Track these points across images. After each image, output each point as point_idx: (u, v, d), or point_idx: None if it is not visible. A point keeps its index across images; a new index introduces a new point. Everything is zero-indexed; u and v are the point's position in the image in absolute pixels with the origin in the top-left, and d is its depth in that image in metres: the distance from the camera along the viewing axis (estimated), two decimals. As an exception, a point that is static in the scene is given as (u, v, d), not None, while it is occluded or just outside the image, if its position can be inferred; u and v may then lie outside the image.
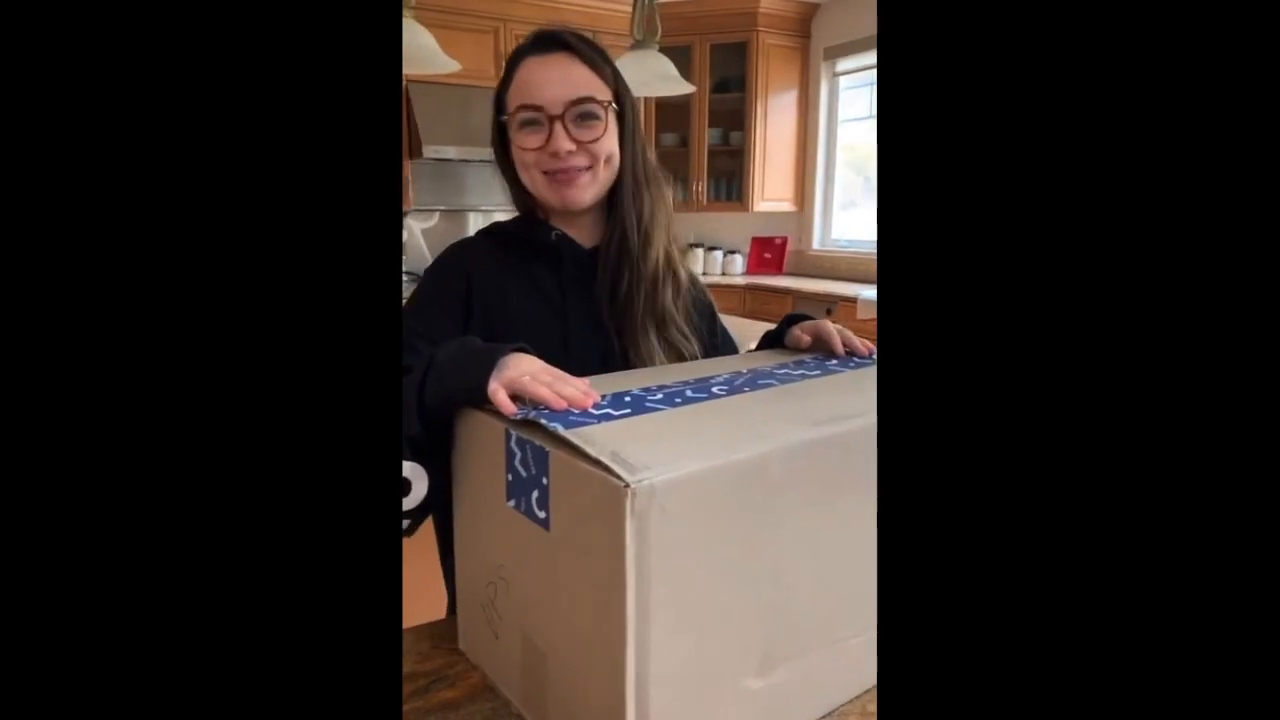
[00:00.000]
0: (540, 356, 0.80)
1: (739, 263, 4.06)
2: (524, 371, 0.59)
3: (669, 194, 0.91)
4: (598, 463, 0.47)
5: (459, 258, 0.85)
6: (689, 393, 0.62)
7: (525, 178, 0.84)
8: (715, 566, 0.49)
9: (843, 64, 3.79)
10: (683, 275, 0.90)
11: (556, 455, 0.50)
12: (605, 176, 0.83)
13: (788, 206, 3.96)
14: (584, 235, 0.87)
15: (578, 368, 0.74)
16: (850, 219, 3.93)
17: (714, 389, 0.63)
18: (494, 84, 0.87)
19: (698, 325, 0.91)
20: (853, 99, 3.84)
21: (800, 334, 0.83)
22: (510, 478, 0.56)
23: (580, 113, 0.80)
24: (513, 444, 0.55)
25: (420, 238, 3.58)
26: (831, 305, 3.30)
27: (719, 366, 0.74)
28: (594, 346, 0.82)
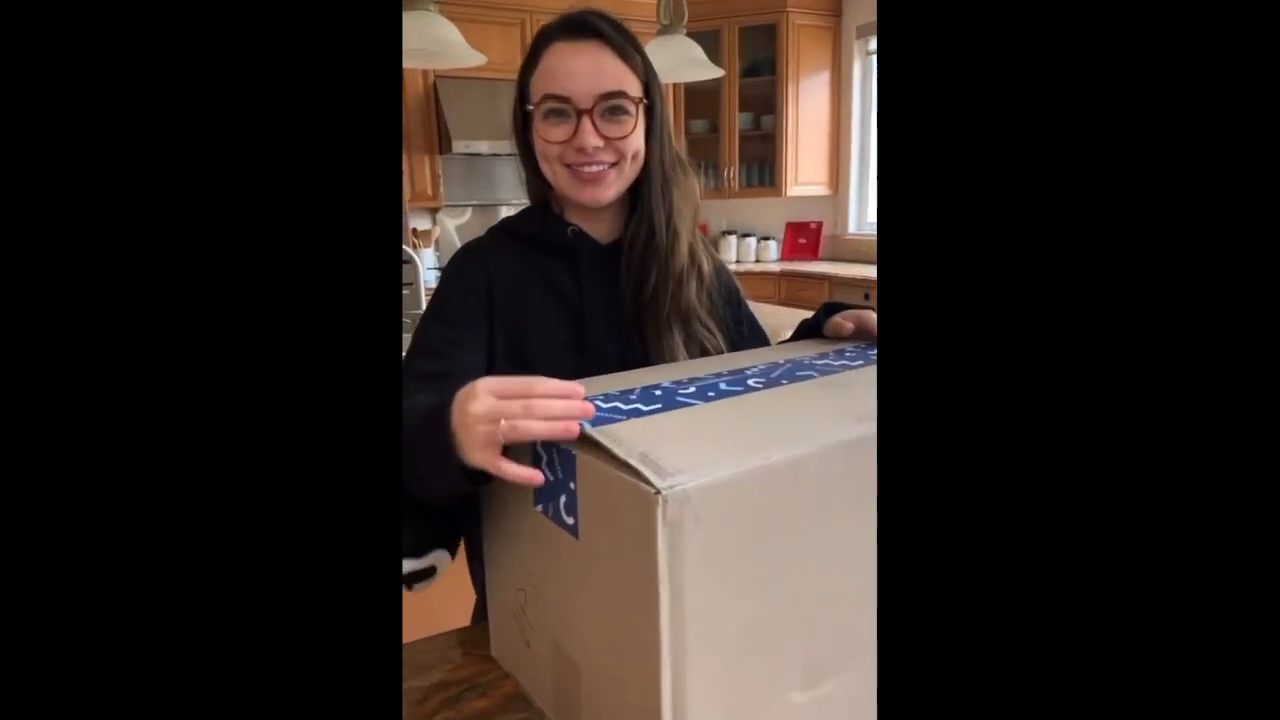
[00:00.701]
0: (556, 357, 0.78)
1: (773, 249, 4.00)
2: (485, 413, 0.51)
3: (695, 184, 0.87)
4: (626, 466, 0.44)
5: (476, 259, 0.82)
6: (723, 385, 0.59)
7: (547, 169, 0.80)
8: (754, 576, 0.46)
9: (875, 42, 3.70)
10: (706, 266, 0.86)
11: (584, 458, 0.48)
12: (630, 172, 0.80)
13: (822, 190, 3.88)
14: (602, 230, 0.83)
15: (595, 368, 0.72)
16: (887, 201, 3.84)
17: (750, 381, 0.60)
18: None
19: (723, 315, 0.88)
20: (887, 77, 3.73)
21: (841, 322, 0.79)
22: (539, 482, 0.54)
23: (610, 107, 0.76)
24: (539, 446, 0.53)
25: (454, 234, 3.59)
26: (869, 290, 3.23)
27: (755, 357, 0.71)
28: (613, 346, 0.79)
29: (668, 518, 0.42)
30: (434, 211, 3.56)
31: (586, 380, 0.63)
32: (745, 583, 0.46)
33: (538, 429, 0.49)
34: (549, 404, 0.50)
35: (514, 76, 0.83)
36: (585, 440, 0.48)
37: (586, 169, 0.77)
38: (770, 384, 0.59)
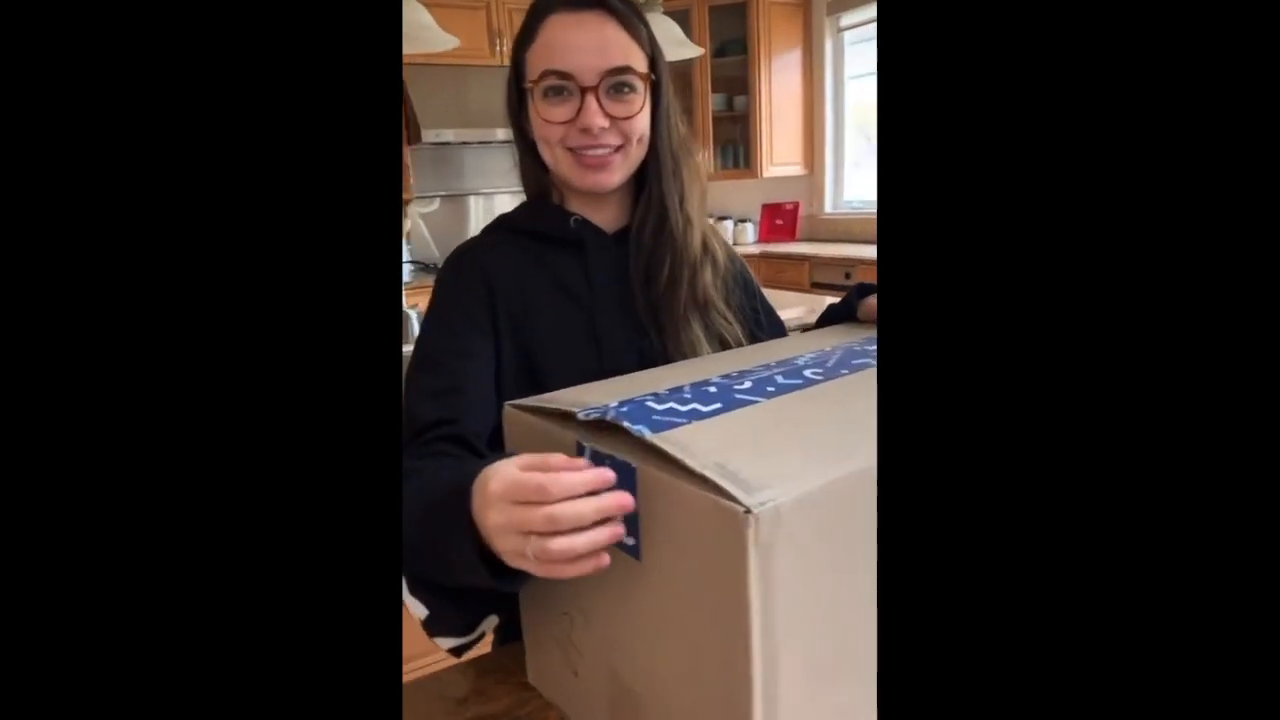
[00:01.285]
0: (570, 357, 0.72)
1: (750, 231, 3.96)
2: (505, 525, 0.44)
3: (702, 166, 0.82)
4: (703, 480, 0.39)
5: (474, 261, 0.75)
6: (780, 379, 0.54)
7: (546, 153, 0.74)
8: (851, 600, 0.41)
9: (846, 18, 3.66)
10: (720, 253, 0.81)
11: (646, 471, 0.43)
12: (637, 155, 0.74)
13: (797, 170, 3.85)
14: (606, 218, 0.77)
15: (612, 368, 0.66)
16: (860, 179, 3.81)
17: (807, 373, 0.55)
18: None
19: (740, 304, 0.83)
20: (858, 54, 3.70)
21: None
22: (585, 497, 0.48)
23: (616, 84, 0.70)
24: (587, 457, 0.47)
25: (422, 225, 3.49)
26: (851, 270, 3.21)
27: (800, 345, 0.66)
28: (629, 343, 0.73)
29: (760, 540, 0.37)
30: (405, 204, 3.46)
31: (628, 378, 0.58)
32: (836, 601, 0.41)
33: (580, 545, 0.42)
34: (576, 510, 0.42)
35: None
36: (646, 448, 0.43)
37: (591, 152, 0.71)
38: (829, 375, 0.55)
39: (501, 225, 0.79)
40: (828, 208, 3.89)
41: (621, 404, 0.48)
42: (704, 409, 0.48)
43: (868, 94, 3.70)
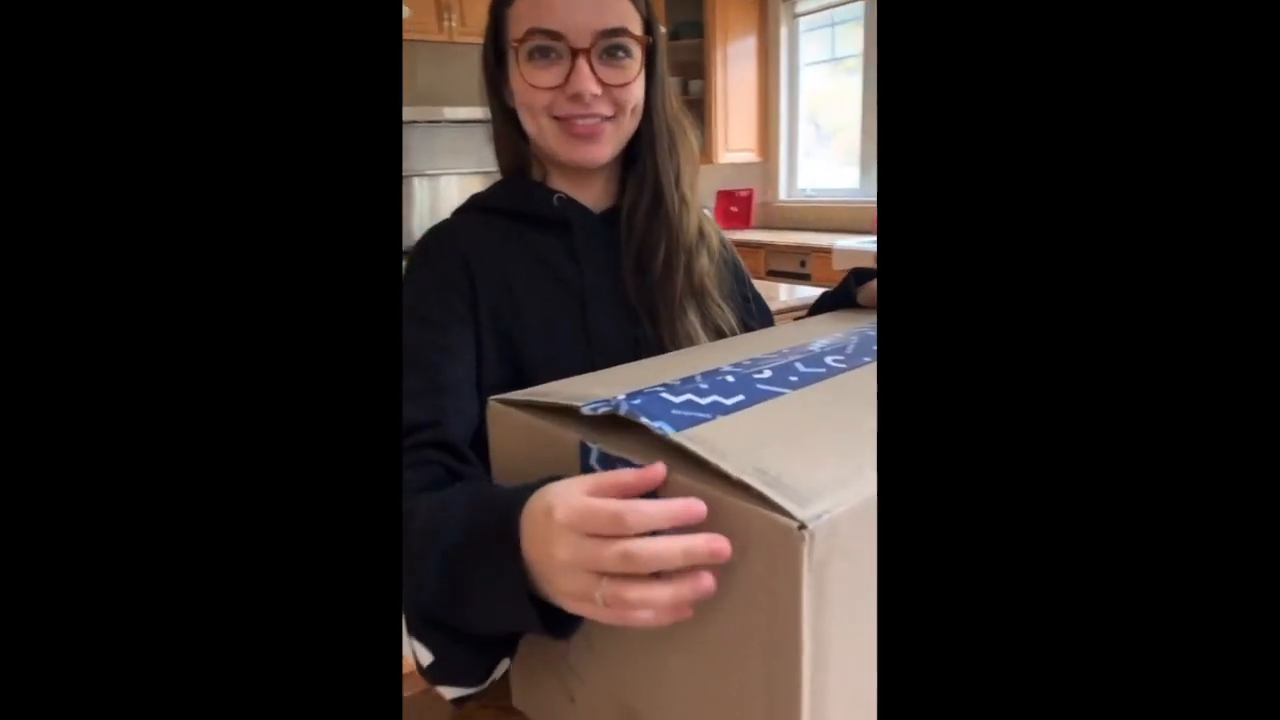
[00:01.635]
0: (558, 349, 0.65)
1: (704, 218, 3.92)
2: (573, 561, 0.36)
3: (695, 143, 0.76)
4: (743, 488, 0.34)
5: (450, 244, 0.67)
6: (801, 367, 0.49)
7: (530, 123, 0.67)
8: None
9: (801, 5, 3.63)
10: (714, 238, 0.76)
11: (673, 478, 0.37)
12: (629, 127, 0.68)
13: (752, 157, 3.82)
14: (592, 196, 0.71)
15: (604, 360, 0.61)
16: (813, 167, 3.81)
17: (828, 360, 0.50)
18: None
19: (733, 291, 0.78)
20: (812, 41, 3.69)
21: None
22: (591, 506, 0.43)
23: (610, 47, 0.64)
24: (594, 461, 0.42)
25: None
26: (805, 258, 3.20)
27: (809, 331, 0.62)
28: (622, 332, 0.68)
29: (815, 558, 0.32)
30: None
31: (631, 368, 0.52)
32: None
33: (661, 599, 0.35)
34: (656, 550, 0.34)
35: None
36: (665, 448, 0.38)
37: (580, 122, 0.65)
38: (852, 362, 0.50)
39: (475, 205, 0.72)
40: (782, 195, 3.88)
41: (632, 396, 0.43)
42: (726, 401, 0.42)
43: (821, 82, 3.70)
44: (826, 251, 3.10)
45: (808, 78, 3.74)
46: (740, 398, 0.43)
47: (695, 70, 3.68)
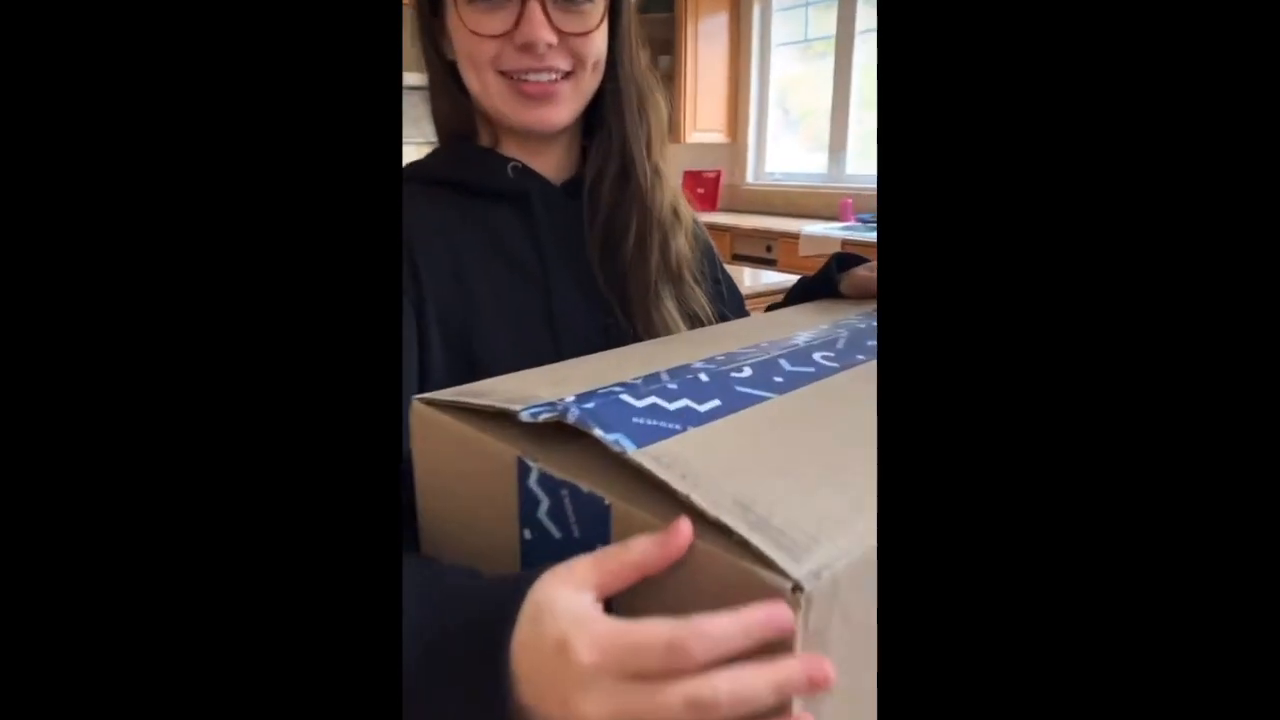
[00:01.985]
0: (520, 341, 0.56)
1: (670, 199, 3.84)
2: (620, 714, 0.26)
3: (665, 108, 0.68)
4: (720, 528, 0.26)
5: None
6: (785, 364, 0.42)
7: (473, 79, 0.58)
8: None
9: None
10: (688, 215, 0.68)
11: (627, 512, 0.30)
12: (589, 86, 0.59)
13: (720, 138, 3.74)
14: (550, 165, 0.62)
15: (570, 351, 0.53)
16: (779, 152, 3.75)
17: (817, 358, 0.43)
18: None
19: (707, 275, 0.70)
20: (784, 22, 3.61)
21: (868, 275, 0.63)
22: (528, 536, 0.35)
23: None
24: (533, 483, 0.34)
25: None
26: (772, 243, 3.14)
27: (791, 322, 0.55)
28: (592, 321, 0.60)
29: (811, 626, 0.25)
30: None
31: (584, 362, 0.45)
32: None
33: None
34: (737, 690, 0.25)
35: None
36: (624, 467, 0.30)
37: (533, 78, 0.56)
38: (844, 360, 0.43)
39: (414, 177, 0.62)
40: (749, 178, 3.81)
41: (583, 398, 0.35)
42: (699, 408, 0.35)
43: (790, 64, 3.62)
44: (793, 237, 3.04)
45: (777, 60, 3.66)
46: (716, 403, 0.36)
47: (664, 46, 3.57)
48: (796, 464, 0.31)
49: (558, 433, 0.34)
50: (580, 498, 0.32)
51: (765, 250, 3.18)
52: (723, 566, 0.26)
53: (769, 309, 0.77)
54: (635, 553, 0.28)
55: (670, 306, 0.62)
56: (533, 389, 0.38)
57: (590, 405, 0.34)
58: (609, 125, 0.62)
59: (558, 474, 0.33)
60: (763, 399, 0.37)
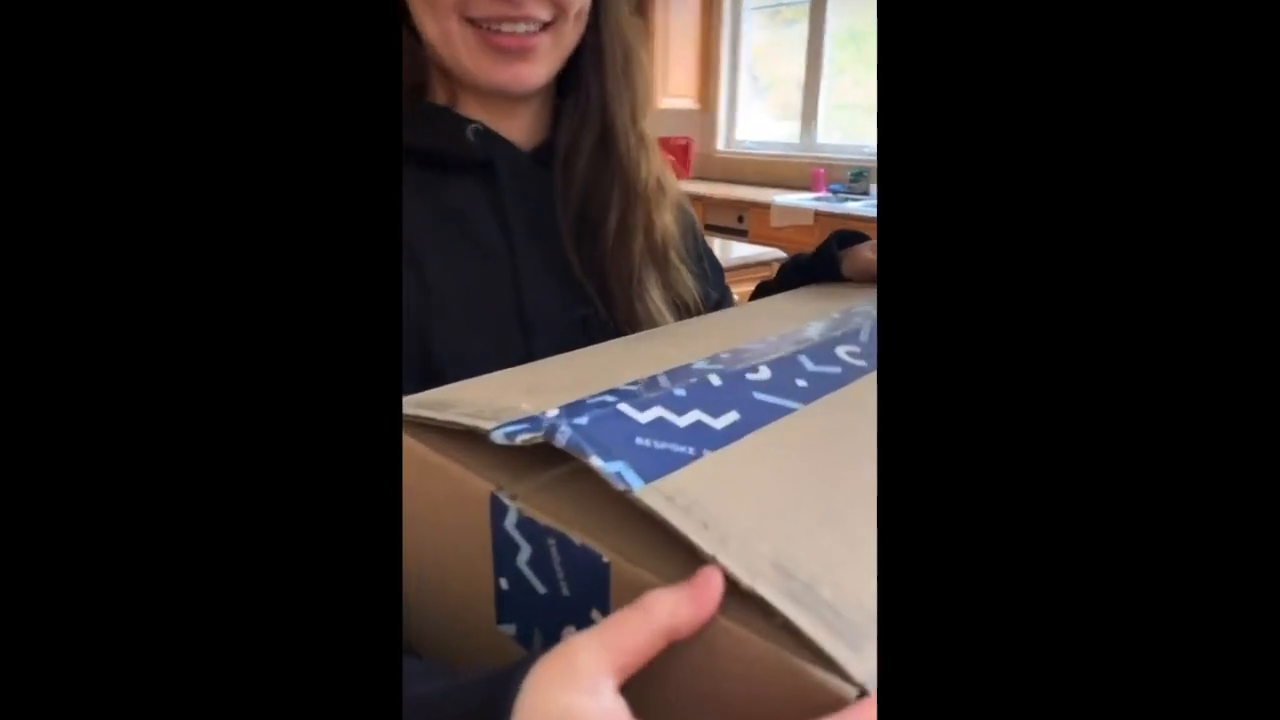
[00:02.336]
0: (484, 334, 0.49)
1: (639, 167, 3.74)
2: None
3: (649, 68, 0.60)
4: (756, 603, 0.21)
5: None
6: (807, 363, 0.36)
7: (431, 27, 0.48)
8: None
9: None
10: (674, 188, 0.61)
11: (624, 570, 0.24)
12: (571, 39, 0.51)
13: (690, 104, 3.65)
14: (518, 130, 0.54)
15: (543, 347, 0.47)
16: (748, 120, 3.67)
17: (841, 354, 0.38)
18: None
19: (690, 250, 0.63)
20: (758, -16, 3.51)
21: (874, 258, 0.57)
22: (504, 586, 0.29)
23: None
24: (509, 526, 0.28)
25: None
26: (744, 213, 3.08)
27: (799, 310, 0.49)
28: (567, 312, 0.53)
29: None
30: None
31: (564, 360, 0.39)
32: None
33: None
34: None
35: None
36: (625, 507, 0.25)
37: (507, 29, 0.48)
38: (874, 360, 0.38)
39: None
40: (720, 146, 3.73)
41: (572, 411, 0.29)
42: (715, 423, 0.29)
43: (759, 32, 3.53)
44: (765, 207, 2.99)
45: (753, 25, 3.57)
46: (733, 416, 0.30)
47: (633, 9, 3.45)
48: (838, 504, 0.26)
49: (540, 449, 0.28)
50: (571, 550, 0.26)
51: (737, 220, 3.12)
52: (762, 656, 0.21)
53: (759, 287, 0.71)
54: (661, 616, 0.22)
55: (655, 295, 0.55)
56: (506, 398, 0.32)
57: (582, 421, 0.28)
58: (587, 85, 0.54)
59: (542, 518, 0.27)
60: (787, 410, 0.31)
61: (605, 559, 0.25)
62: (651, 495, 0.24)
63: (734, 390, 0.32)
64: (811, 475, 0.27)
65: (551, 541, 0.26)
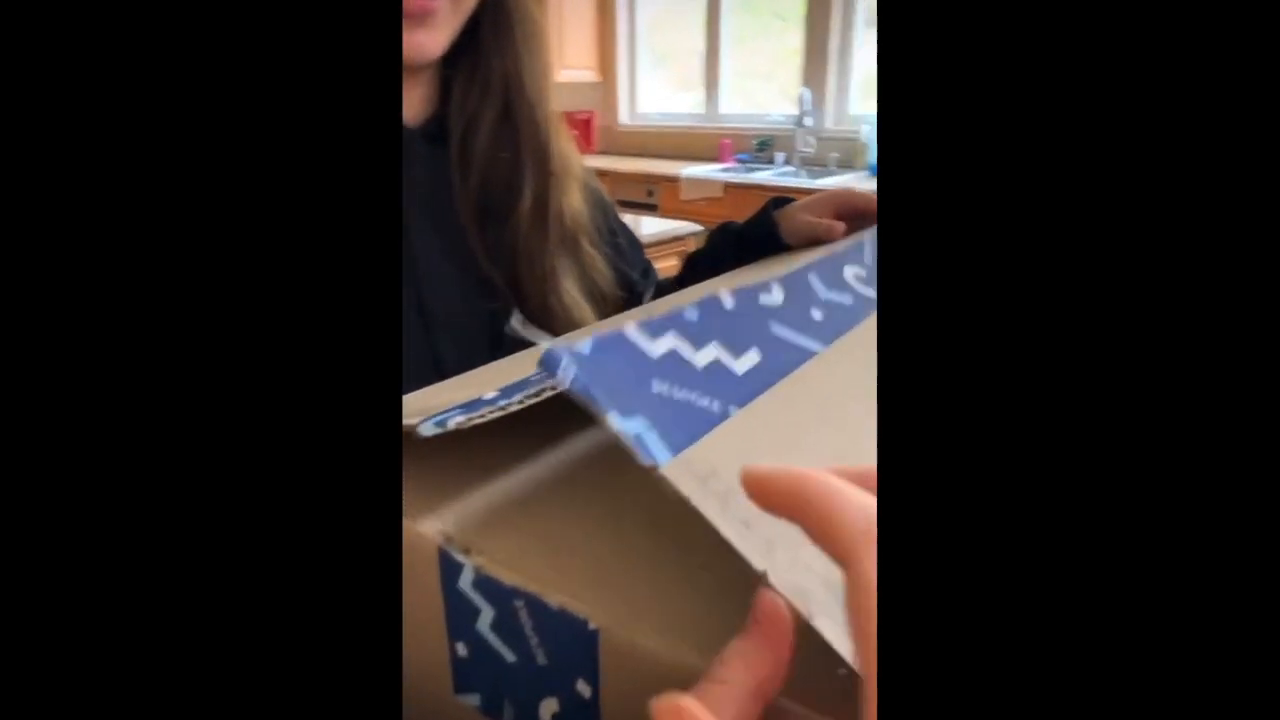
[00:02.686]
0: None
1: (542, 143, 3.65)
2: None
3: (549, 37, 0.56)
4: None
5: None
6: (821, 290, 0.33)
7: None
8: None
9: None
10: (577, 164, 0.57)
11: (620, 642, 0.20)
12: (469, 5, 0.47)
13: (591, 76, 3.57)
14: (407, 104, 0.49)
15: (450, 349, 0.42)
16: (648, 91, 3.63)
17: (847, 276, 0.35)
18: None
19: (602, 229, 0.59)
20: (651, -49, 3.45)
21: (816, 221, 0.54)
22: (462, 653, 0.25)
23: None
24: (465, 586, 0.24)
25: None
26: (654, 187, 3.05)
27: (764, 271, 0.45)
28: (473, 308, 0.49)
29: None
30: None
31: (495, 369, 0.34)
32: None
33: None
34: None
35: None
36: (604, 526, 0.21)
37: None
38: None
39: None
40: (623, 118, 3.67)
41: (561, 348, 0.23)
42: (735, 366, 0.24)
43: (658, 1, 3.48)
44: (674, 180, 2.96)
45: (648, -4, 3.51)
46: (755, 358, 0.25)
47: (526, -23, 3.34)
48: None
49: (478, 453, 0.23)
50: (545, 614, 0.22)
51: (647, 195, 3.08)
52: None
53: (689, 259, 0.67)
54: (742, 678, 0.17)
55: (570, 286, 0.51)
56: (437, 398, 0.27)
57: (584, 349, 0.21)
58: (487, 54, 0.49)
59: (507, 578, 0.22)
60: (808, 353, 0.28)
61: (592, 626, 0.21)
62: (682, 475, 0.19)
63: (748, 316, 0.28)
64: (844, 445, 0.24)
65: (519, 604, 0.22)
